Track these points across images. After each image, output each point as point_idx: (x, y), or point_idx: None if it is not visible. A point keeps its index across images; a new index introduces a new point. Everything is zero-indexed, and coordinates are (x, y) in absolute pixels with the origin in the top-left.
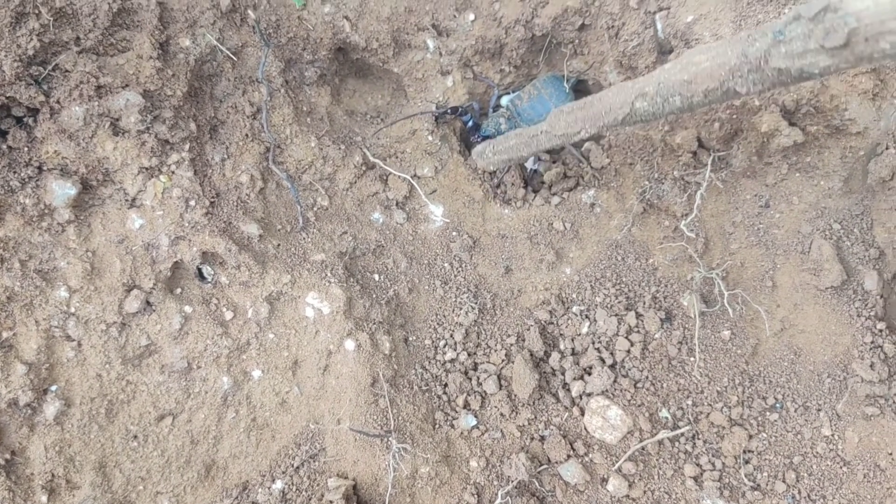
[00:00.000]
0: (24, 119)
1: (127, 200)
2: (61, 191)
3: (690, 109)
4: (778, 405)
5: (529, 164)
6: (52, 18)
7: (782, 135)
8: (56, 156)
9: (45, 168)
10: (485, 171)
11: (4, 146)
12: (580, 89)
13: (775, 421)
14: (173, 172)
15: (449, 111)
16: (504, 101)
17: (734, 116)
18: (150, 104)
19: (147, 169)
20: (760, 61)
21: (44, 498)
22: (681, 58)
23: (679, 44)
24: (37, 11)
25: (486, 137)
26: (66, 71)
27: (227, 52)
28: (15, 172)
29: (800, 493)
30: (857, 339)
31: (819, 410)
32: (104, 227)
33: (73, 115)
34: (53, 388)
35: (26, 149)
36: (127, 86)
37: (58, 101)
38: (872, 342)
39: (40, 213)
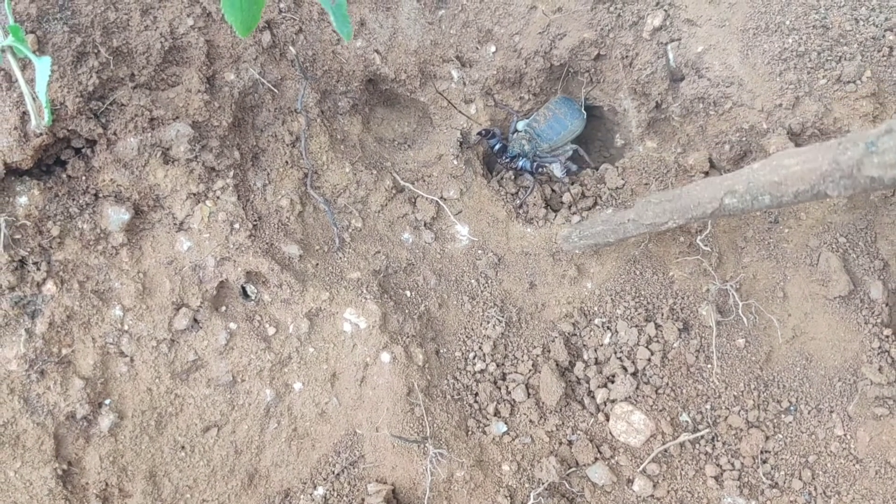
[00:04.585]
0: (83, 150)
1: (175, 224)
2: (116, 216)
3: (779, 207)
4: (792, 408)
5: (558, 173)
6: (110, 57)
7: None
8: (112, 184)
9: (101, 195)
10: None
11: (64, 175)
12: (594, 114)
13: (790, 423)
14: (218, 198)
15: (482, 132)
16: (520, 125)
17: (744, 139)
18: (198, 134)
19: (195, 195)
20: (853, 169)
21: None
22: (770, 159)
23: (690, 72)
24: (96, 51)
25: (513, 158)
26: (122, 105)
27: (269, 85)
28: (74, 200)
29: (816, 489)
30: (865, 344)
31: (831, 412)
32: (154, 250)
33: (129, 145)
34: (107, 401)
35: (84, 177)
36: (177, 118)
37: (114, 133)
38: (880, 347)
39: (96, 238)
